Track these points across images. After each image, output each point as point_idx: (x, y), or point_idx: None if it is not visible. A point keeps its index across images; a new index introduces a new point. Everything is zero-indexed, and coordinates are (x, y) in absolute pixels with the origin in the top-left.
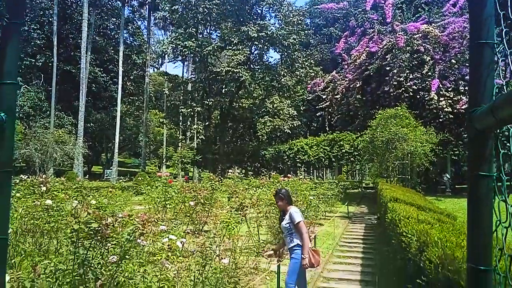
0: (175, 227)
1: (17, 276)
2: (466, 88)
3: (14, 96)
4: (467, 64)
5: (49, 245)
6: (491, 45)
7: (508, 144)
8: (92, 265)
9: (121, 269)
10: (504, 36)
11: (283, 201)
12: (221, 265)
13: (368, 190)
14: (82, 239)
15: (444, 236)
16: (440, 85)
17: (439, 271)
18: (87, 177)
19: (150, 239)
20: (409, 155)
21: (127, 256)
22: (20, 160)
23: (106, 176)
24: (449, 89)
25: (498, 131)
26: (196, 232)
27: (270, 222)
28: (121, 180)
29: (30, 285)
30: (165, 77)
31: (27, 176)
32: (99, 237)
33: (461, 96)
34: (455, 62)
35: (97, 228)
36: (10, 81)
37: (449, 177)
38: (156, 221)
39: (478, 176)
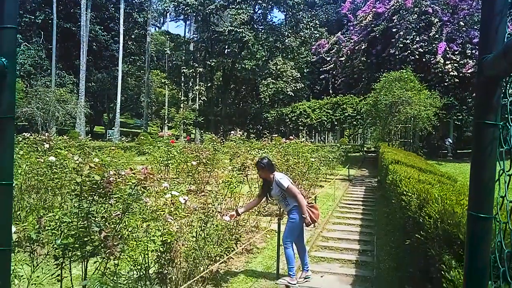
0: (177, 184)
1: (23, 227)
2: (473, 51)
3: (15, 40)
4: (476, 27)
5: (53, 201)
6: None
7: None
8: (96, 218)
9: (124, 223)
10: None
11: (264, 170)
12: (223, 222)
13: (369, 154)
14: (85, 193)
15: (445, 194)
16: (447, 48)
17: (438, 226)
18: (89, 136)
19: (152, 197)
20: (412, 119)
21: (130, 210)
22: (22, 119)
23: (109, 137)
24: (456, 53)
25: (508, 79)
26: (198, 192)
27: None
28: (123, 140)
29: (36, 236)
30: (167, 36)
31: (29, 134)
32: (102, 192)
33: (467, 59)
34: (463, 24)
35: (99, 182)
36: (10, 25)
37: (451, 141)
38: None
39: (484, 125)
